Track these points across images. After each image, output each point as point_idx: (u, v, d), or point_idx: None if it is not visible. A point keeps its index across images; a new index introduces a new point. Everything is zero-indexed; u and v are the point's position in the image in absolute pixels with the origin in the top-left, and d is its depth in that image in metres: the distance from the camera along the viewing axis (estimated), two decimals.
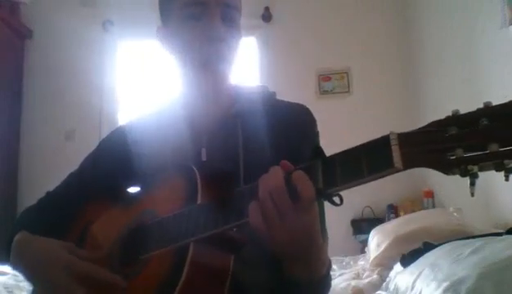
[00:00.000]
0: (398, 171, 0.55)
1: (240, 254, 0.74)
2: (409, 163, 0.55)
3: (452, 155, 0.53)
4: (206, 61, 0.89)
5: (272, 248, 0.68)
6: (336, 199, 0.62)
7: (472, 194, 0.53)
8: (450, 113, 0.55)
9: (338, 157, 0.62)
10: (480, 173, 0.54)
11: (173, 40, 0.94)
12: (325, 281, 0.78)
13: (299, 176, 0.62)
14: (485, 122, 0.52)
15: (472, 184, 0.53)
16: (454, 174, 0.54)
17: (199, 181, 0.77)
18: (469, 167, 0.53)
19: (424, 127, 0.56)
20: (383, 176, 0.57)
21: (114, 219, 0.92)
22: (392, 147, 0.55)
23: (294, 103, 0.98)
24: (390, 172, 0.56)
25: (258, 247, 0.72)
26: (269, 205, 0.63)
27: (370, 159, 0.58)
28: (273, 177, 0.63)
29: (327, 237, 0.84)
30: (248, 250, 0.74)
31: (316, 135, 0.96)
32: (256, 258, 0.78)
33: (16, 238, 0.89)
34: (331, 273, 0.81)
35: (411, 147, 0.55)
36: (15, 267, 0.89)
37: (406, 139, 0.56)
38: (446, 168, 0.54)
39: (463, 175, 0.53)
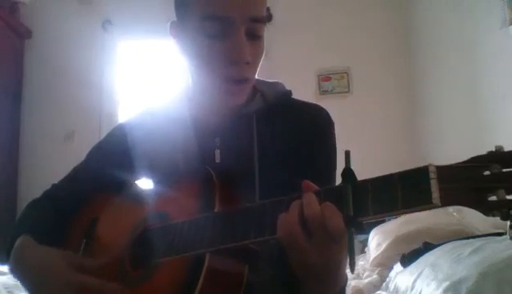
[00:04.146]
0: (436, 207, 0.50)
1: (255, 263, 0.72)
2: (447, 201, 0.50)
3: (493, 196, 0.50)
4: (226, 83, 0.82)
5: (294, 269, 0.65)
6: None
7: (511, 238, 0.51)
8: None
9: (370, 183, 0.56)
10: None
11: (189, 48, 0.85)
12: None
13: (328, 208, 0.58)
14: None
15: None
16: (494, 216, 0.50)
17: (217, 186, 0.73)
18: None
19: (464, 162, 0.52)
20: (417, 211, 0.52)
21: (123, 218, 0.90)
22: (431, 181, 0.50)
23: (312, 104, 0.94)
24: (427, 208, 0.51)
25: (273, 257, 0.70)
26: (300, 233, 0.59)
27: (406, 191, 0.52)
28: (309, 206, 0.58)
29: (354, 263, 0.82)
30: (262, 259, 0.72)
31: (333, 138, 0.91)
32: (270, 267, 0.76)
33: (17, 243, 0.86)
34: None
35: (450, 183, 0.51)
36: (14, 275, 0.86)
37: (445, 173, 0.51)
38: (487, 210, 0.50)
39: (504, 218, 0.50)
